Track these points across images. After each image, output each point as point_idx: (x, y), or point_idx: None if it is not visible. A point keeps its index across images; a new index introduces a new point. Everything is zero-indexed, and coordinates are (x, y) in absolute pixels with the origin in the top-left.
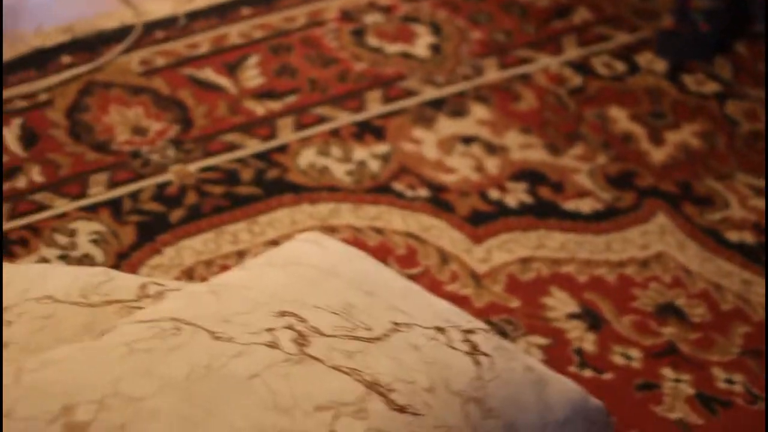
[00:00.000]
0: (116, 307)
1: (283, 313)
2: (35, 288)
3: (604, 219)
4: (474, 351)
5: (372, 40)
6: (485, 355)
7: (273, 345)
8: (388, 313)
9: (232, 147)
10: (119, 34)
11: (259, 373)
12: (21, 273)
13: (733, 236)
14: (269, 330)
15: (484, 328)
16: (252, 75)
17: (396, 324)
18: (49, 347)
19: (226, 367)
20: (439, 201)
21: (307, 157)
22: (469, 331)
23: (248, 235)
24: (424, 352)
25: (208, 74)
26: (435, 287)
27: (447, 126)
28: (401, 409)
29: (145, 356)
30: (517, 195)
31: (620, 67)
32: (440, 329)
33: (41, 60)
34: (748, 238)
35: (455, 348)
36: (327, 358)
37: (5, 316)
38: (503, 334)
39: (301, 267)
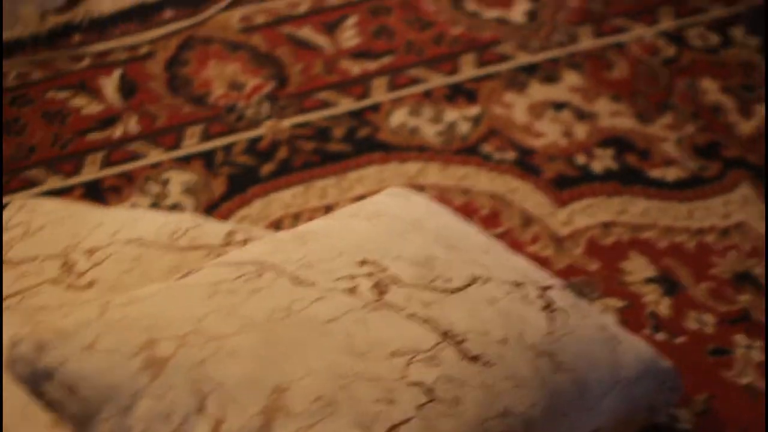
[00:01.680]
0: (203, 251)
1: (364, 262)
2: (125, 230)
3: (688, 187)
4: (549, 307)
5: (469, 5)
6: (560, 311)
7: (352, 291)
8: (468, 267)
9: (325, 104)
10: None
11: (338, 317)
12: (112, 215)
13: None
14: (350, 277)
15: (560, 285)
16: (349, 35)
17: (474, 277)
18: (136, 287)
19: (306, 311)
20: (525, 164)
21: (399, 117)
22: (546, 288)
23: (336, 190)
24: (499, 305)
25: (307, 33)
26: (517, 247)
27: (538, 91)
28: (473, 359)
29: (228, 297)
30: (603, 161)
31: (714, 39)
32: (517, 284)
33: (144, 14)
34: None
35: (531, 303)
36: (404, 306)
37: (95, 256)
38: (580, 294)
39: (386, 219)
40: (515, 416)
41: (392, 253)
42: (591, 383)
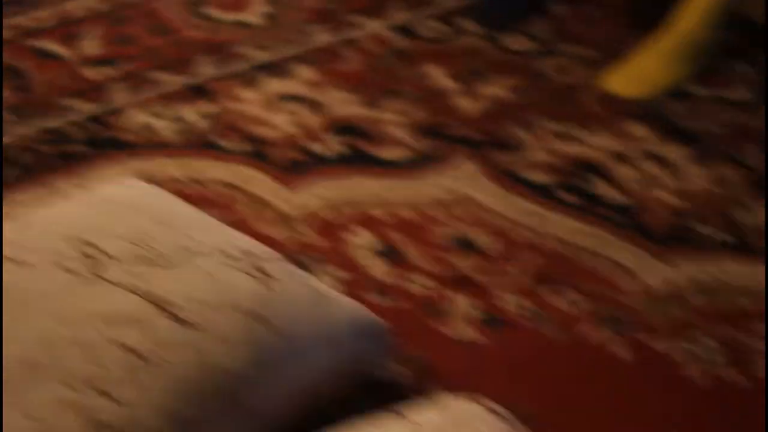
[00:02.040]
0: None
1: (81, 242)
2: None
3: (415, 166)
4: (263, 275)
5: (209, 11)
6: (273, 279)
7: (68, 269)
8: (184, 242)
9: (68, 110)
10: None
11: (52, 292)
12: None
13: (530, 176)
14: (67, 256)
15: (278, 257)
16: (91, 44)
17: (189, 251)
18: None
19: (22, 287)
20: (260, 154)
21: (140, 118)
22: (262, 259)
23: (78, 190)
24: (213, 275)
25: (50, 45)
26: (250, 231)
27: (273, 86)
28: (185, 324)
29: None
30: (334, 147)
31: (443, 29)
32: (234, 257)
33: None
34: (543, 177)
35: (245, 272)
36: (117, 279)
37: None
38: (304, 267)
39: (107, 203)
40: (227, 374)
41: (109, 233)
42: (303, 340)
